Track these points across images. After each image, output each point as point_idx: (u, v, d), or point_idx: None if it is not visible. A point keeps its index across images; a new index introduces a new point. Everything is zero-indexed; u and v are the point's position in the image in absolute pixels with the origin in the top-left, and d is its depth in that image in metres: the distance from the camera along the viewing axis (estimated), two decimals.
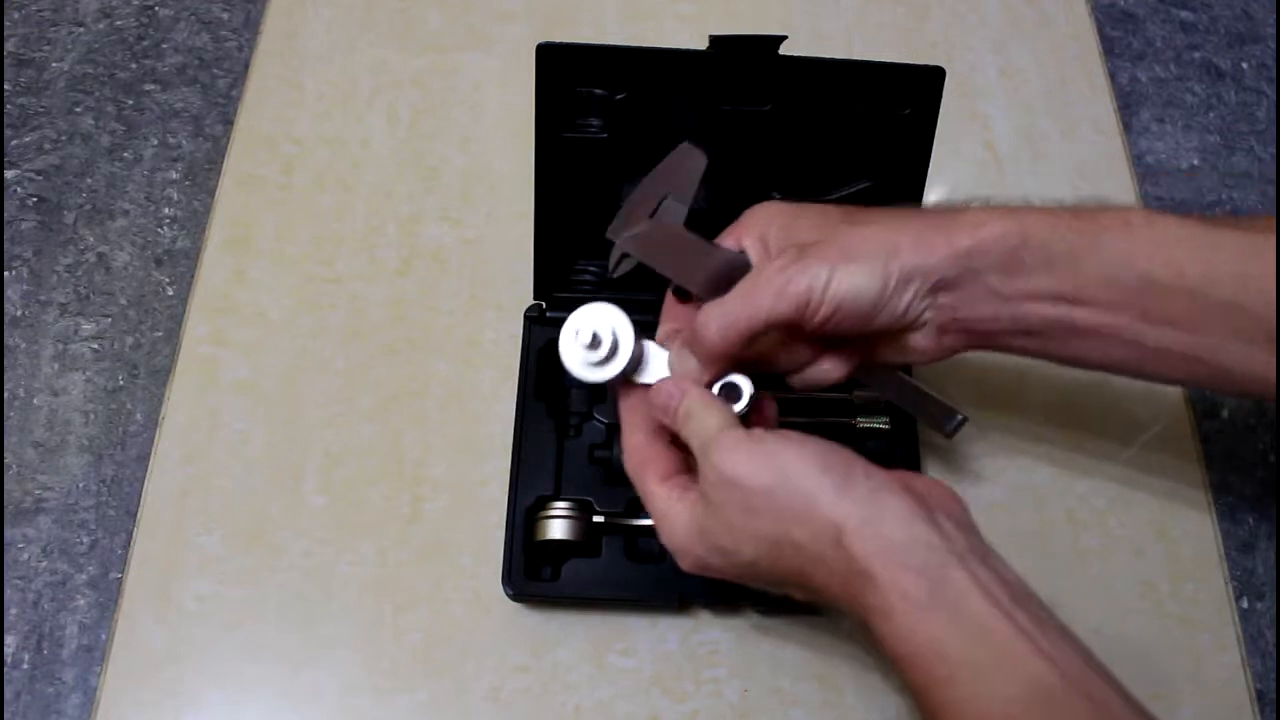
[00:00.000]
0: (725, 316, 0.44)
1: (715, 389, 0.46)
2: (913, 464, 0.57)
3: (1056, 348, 0.45)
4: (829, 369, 0.47)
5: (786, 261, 0.43)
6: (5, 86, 0.79)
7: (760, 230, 0.46)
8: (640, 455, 0.46)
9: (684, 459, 0.46)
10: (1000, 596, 0.37)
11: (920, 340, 0.45)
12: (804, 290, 0.42)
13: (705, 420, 0.43)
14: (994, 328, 0.44)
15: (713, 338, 0.44)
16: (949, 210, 0.44)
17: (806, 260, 0.43)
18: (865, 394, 0.59)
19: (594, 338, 0.45)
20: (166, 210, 0.73)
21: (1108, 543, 0.58)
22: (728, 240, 0.47)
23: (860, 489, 0.39)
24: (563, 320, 0.59)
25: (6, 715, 0.56)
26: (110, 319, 0.69)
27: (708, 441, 0.42)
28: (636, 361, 0.47)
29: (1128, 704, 0.36)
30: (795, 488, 0.39)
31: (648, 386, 0.47)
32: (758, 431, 0.42)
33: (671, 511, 0.44)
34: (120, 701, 0.54)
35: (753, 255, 0.46)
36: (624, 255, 0.48)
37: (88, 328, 0.68)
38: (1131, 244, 0.42)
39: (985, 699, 0.36)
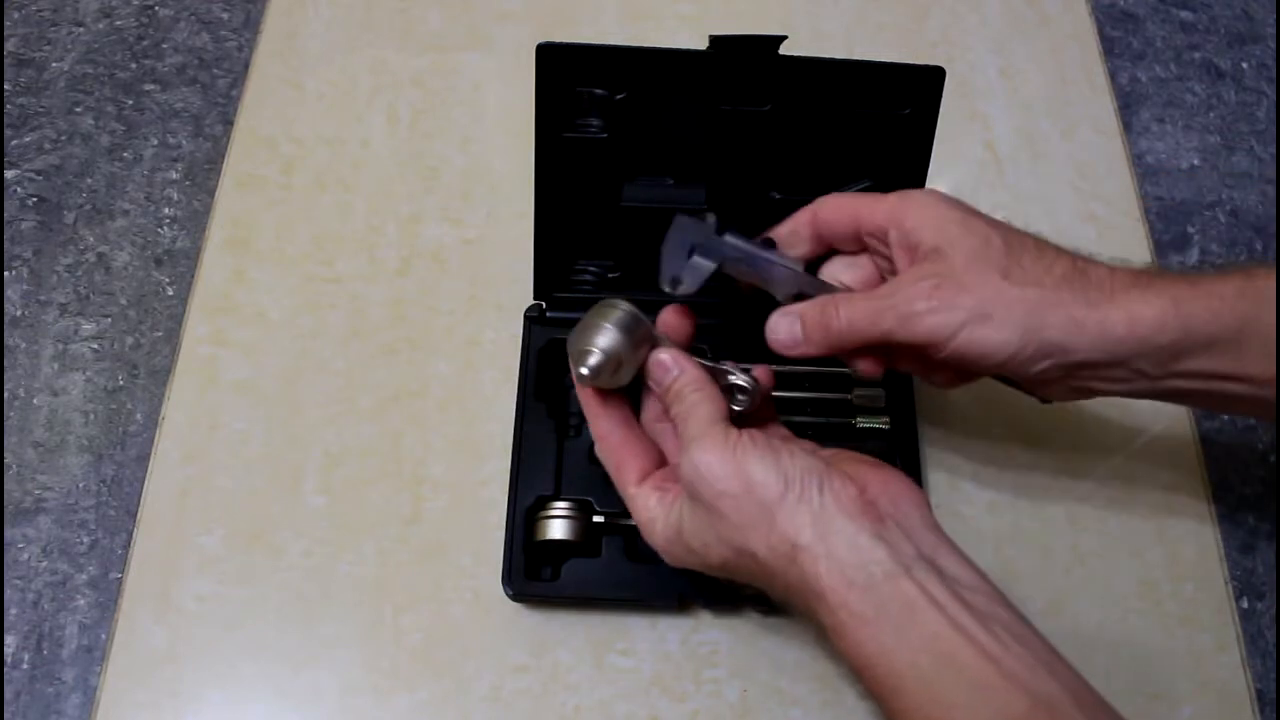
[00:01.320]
0: (852, 317, 0.44)
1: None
2: (913, 463, 0.57)
3: (1189, 403, 0.45)
4: (937, 380, 0.48)
5: (926, 290, 0.42)
6: (5, 86, 0.79)
7: (913, 230, 0.44)
8: (611, 444, 0.47)
9: (656, 451, 0.47)
10: (946, 602, 0.37)
11: (1041, 391, 0.45)
12: (933, 330, 0.42)
13: (695, 409, 0.43)
14: (1127, 394, 0.44)
15: (837, 327, 0.44)
16: (1106, 278, 0.42)
17: (945, 300, 0.42)
18: (865, 393, 0.59)
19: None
20: (166, 210, 0.73)
21: (1108, 543, 0.58)
22: (878, 216, 0.46)
23: (814, 504, 0.39)
24: (563, 320, 0.60)
25: (6, 715, 0.56)
26: (110, 319, 0.69)
27: (692, 436, 0.42)
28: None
29: (1076, 700, 0.36)
30: (757, 498, 0.40)
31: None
32: (735, 435, 0.42)
33: (649, 514, 0.44)
34: (120, 701, 0.54)
35: (896, 253, 0.45)
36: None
37: (88, 328, 0.68)
38: None
39: (931, 705, 0.37)
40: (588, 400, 0.47)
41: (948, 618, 0.37)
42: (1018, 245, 0.43)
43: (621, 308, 0.46)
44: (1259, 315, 0.41)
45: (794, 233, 0.49)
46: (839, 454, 0.45)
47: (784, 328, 0.46)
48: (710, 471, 0.41)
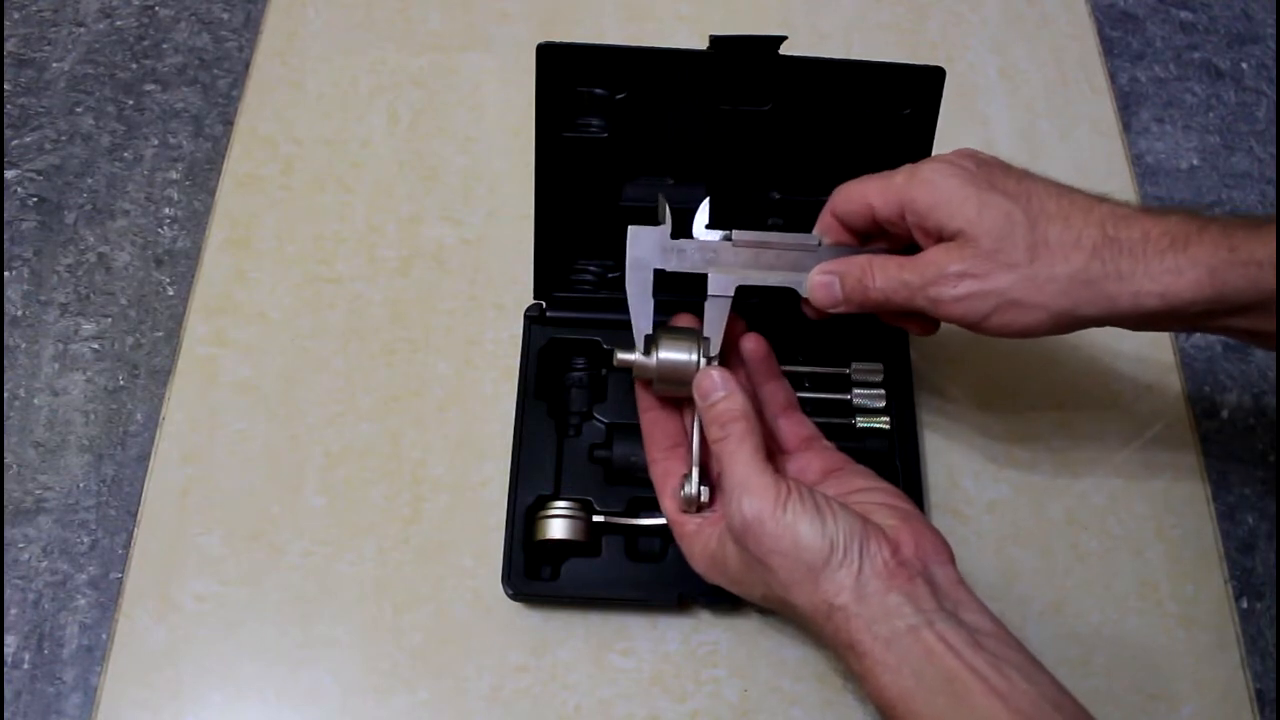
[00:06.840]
0: (886, 290, 0.46)
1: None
2: (912, 463, 0.57)
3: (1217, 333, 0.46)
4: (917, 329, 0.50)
5: (953, 279, 0.44)
6: (5, 86, 0.79)
7: (928, 213, 0.45)
8: (658, 468, 0.50)
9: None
10: (962, 648, 0.40)
11: None
12: (963, 316, 0.45)
13: (740, 446, 0.45)
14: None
15: (873, 295, 0.47)
16: (1139, 245, 0.42)
17: (973, 289, 0.44)
18: (865, 393, 0.59)
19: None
20: (166, 210, 0.73)
21: (1108, 543, 0.58)
22: (890, 202, 0.47)
23: (853, 568, 0.42)
24: (563, 320, 0.60)
25: (6, 715, 0.56)
26: (110, 319, 0.69)
27: (738, 483, 0.44)
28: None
29: None
30: (805, 560, 0.42)
31: (667, 400, 0.51)
32: (783, 489, 0.43)
33: (688, 536, 0.47)
34: (120, 701, 0.54)
35: (917, 235, 0.46)
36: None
37: (88, 328, 0.68)
38: None
39: None
40: (643, 421, 0.51)
41: (963, 661, 0.39)
42: (1042, 218, 0.43)
43: (680, 337, 0.49)
44: None
45: (824, 232, 0.51)
46: (872, 496, 0.46)
47: (822, 289, 0.48)
48: (761, 528, 0.42)
